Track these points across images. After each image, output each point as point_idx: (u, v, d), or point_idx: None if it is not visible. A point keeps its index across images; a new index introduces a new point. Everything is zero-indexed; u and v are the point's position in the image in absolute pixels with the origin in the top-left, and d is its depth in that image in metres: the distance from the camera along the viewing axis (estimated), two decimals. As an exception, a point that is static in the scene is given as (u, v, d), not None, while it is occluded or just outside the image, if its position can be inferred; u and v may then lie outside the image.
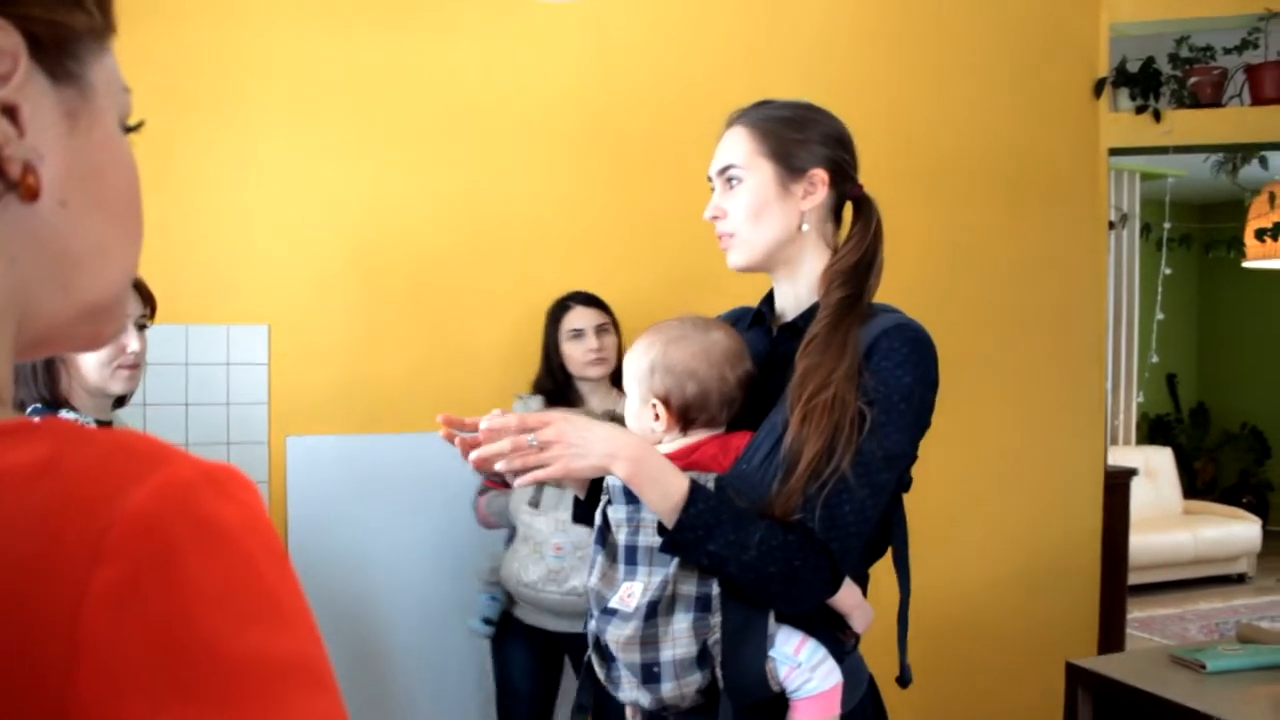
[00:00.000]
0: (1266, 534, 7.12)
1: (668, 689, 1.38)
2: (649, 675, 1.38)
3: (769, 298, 1.63)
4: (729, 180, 1.53)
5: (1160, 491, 7.03)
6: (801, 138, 1.52)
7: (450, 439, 1.40)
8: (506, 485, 2.64)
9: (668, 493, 1.34)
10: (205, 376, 2.73)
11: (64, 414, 1.88)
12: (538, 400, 2.70)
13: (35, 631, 0.43)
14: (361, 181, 2.90)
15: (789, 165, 1.51)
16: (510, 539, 2.64)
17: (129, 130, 0.59)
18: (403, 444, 2.89)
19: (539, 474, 1.35)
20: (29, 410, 1.85)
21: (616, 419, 2.56)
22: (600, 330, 2.71)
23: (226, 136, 2.76)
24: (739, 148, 1.53)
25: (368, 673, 2.89)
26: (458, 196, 2.99)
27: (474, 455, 1.35)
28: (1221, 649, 2.31)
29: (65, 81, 0.53)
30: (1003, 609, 3.69)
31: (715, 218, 1.54)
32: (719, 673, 1.38)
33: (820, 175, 1.51)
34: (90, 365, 1.92)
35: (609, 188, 3.16)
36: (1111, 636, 3.99)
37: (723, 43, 3.30)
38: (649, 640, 1.37)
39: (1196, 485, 8.37)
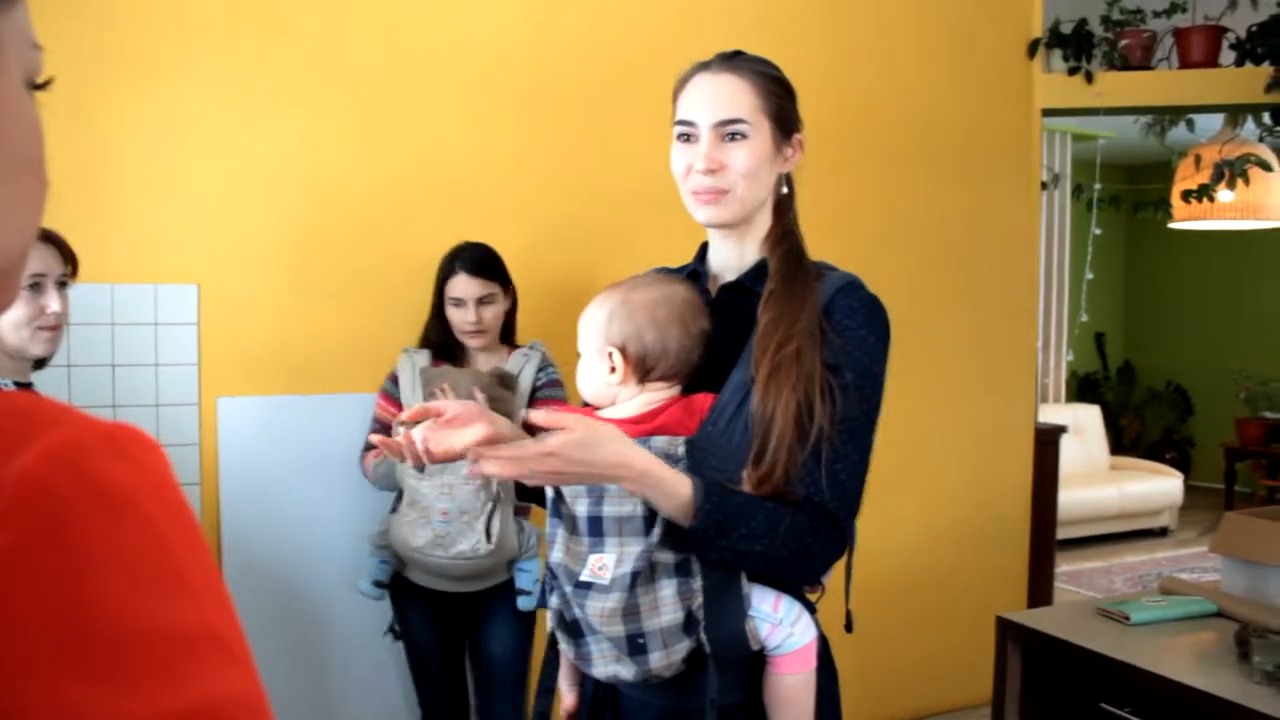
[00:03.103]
0: (1188, 489, 7.35)
1: (656, 659, 1.34)
2: (635, 647, 1.34)
3: (701, 256, 1.60)
4: (732, 134, 1.44)
5: (1088, 448, 7.21)
6: (789, 101, 1.51)
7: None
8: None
9: (672, 495, 1.30)
10: (132, 337, 2.66)
11: (-18, 376, 1.82)
12: (424, 355, 2.61)
13: None
14: (294, 137, 2.82)
15: (783, 127, 1.49)
16: (397, 502, 2.58)
17: (37, 88, 0.55)
18: (337, 404, 2.85)
19: (531, 481, 1.29)
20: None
21: (504, 376, 2.53)
22: (482, 302, 2.56)
23: (154, 90, 2.67)
24: (744, 101, 1.45)
25: (301, 637, 2.86)
26: (393, 153, 2.93)
27: (481, 468, 1.24)
28: (1145, 601, 2.37)
29: None
30: (937, 564, 3.76)
31: (712, 170, 1.44)
32: (703, 637, 1.35)
33: (800, 139, 1.52)
34: (7, 326, 1.85)
35: (548, 146, 3.11)
36: (1040, 590, 4.09)
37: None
38: (631, 611, 1.33)
39: (1123, 441, 8.59)
